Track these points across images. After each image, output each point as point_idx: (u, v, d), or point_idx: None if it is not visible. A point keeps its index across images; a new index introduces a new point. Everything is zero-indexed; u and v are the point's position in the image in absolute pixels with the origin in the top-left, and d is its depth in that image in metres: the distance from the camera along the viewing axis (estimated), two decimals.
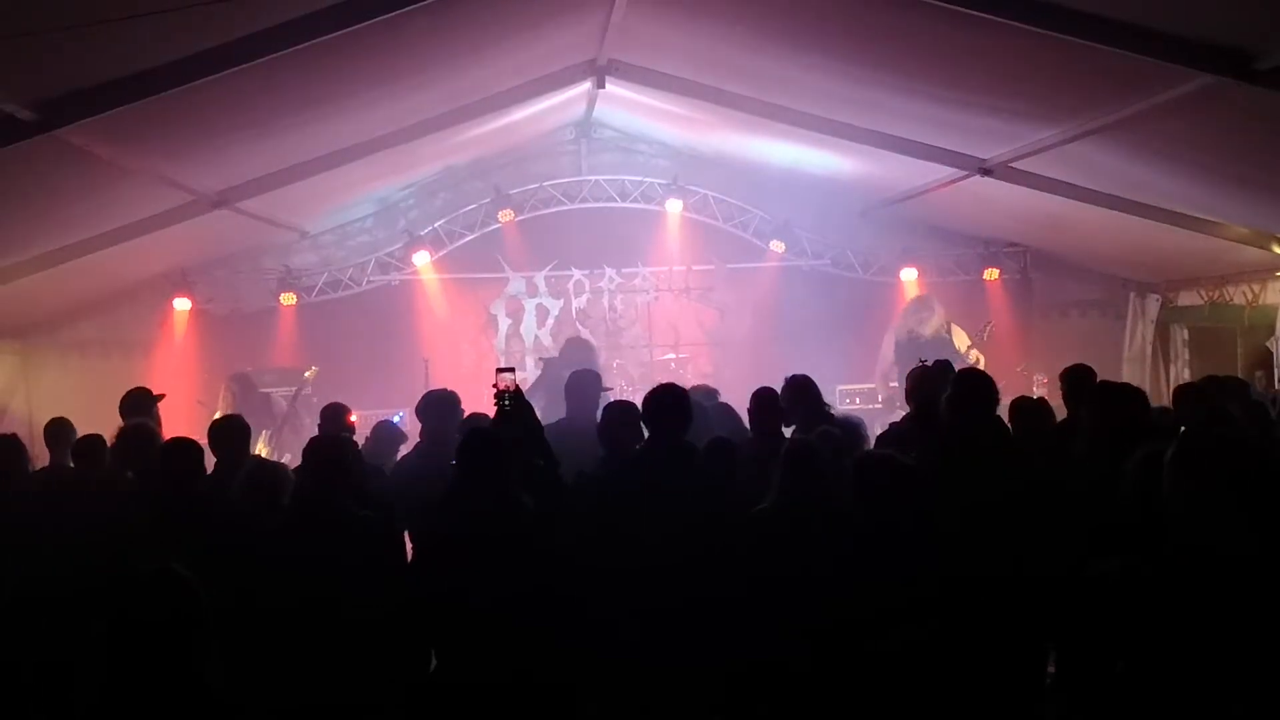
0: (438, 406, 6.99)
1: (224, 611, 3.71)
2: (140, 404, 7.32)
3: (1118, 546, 4.16)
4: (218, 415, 10.54)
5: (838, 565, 4.65)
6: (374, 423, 8.10)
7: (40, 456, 7.19)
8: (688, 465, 5.43)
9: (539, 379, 10.94)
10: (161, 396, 7.61)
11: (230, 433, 6.56)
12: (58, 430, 7.09)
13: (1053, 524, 4.84)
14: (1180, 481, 3.54)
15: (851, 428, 6.85)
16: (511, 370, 5.86)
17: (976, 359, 11.58)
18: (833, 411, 7.07)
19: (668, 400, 5.57)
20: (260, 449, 9.99)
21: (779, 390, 6.80)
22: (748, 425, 6.85)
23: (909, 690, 4.48)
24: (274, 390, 11.75)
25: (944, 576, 4.62)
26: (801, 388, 6.87)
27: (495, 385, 5.75)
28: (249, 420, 7.87)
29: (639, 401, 5.70)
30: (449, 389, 7.25)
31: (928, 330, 11.90)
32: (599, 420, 6.06)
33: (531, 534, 4.98)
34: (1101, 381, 5.98)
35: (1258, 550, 3.52)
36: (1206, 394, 6.71)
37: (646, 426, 5.62)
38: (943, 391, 5.80)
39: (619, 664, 5.03)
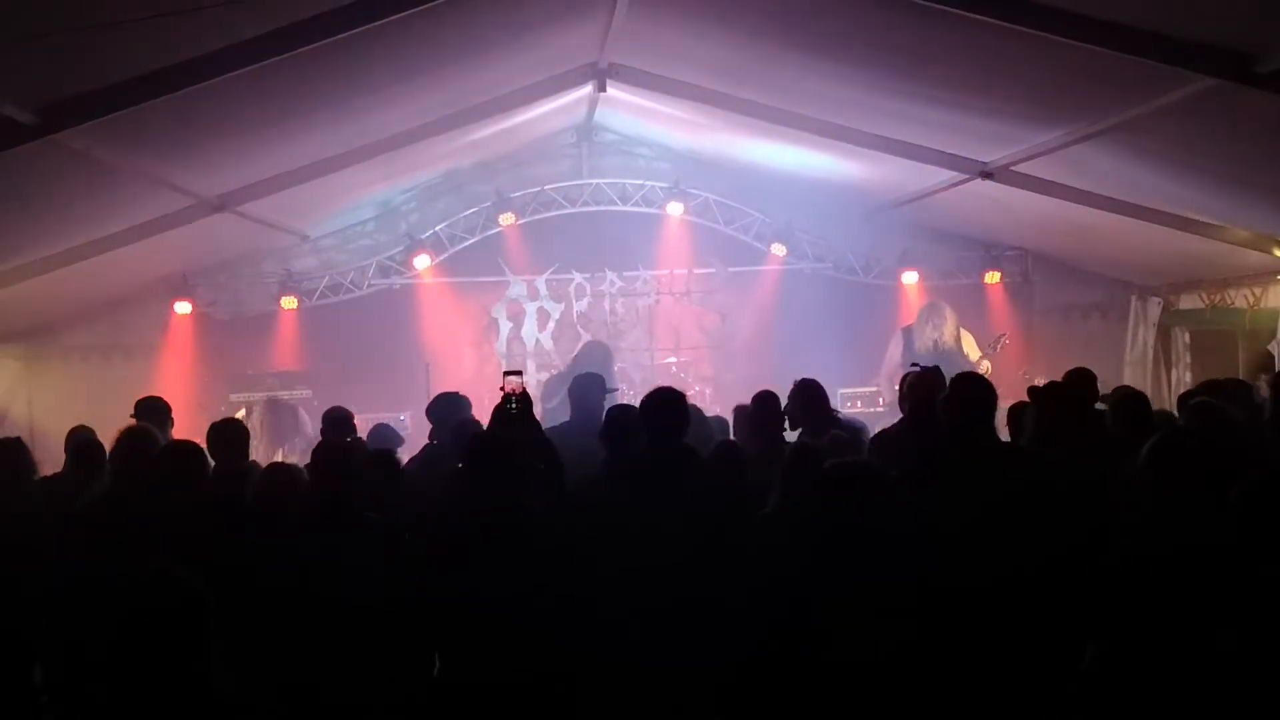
0: (447, 408, 6.99)
1: (230, 612, 3.71)
2: (154, 412, 7.32)
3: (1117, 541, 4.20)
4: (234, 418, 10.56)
5: (837, 569, 4.63)
6: (373, 426, 8.10)
7: (41, 461, 7.19)
8: (685, 467, 5.43)
9: (561, 374, 10.98)
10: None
11: (230, 436, 6.55)
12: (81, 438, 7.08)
13: (1053, 525, 4.83)
14: (1147, 477, 3.76)
15: (853, 432, 6.86)
16: (519, 373, 5.88)
17: (986, 370, 11.57)
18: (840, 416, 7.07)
19: (663, 403, 5.58)
20: (278, 456, 9.98)
21: (778, 394, 6.79)
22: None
23: (908, 694, 4.47)
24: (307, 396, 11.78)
25: (943, 579, 4.61)
26: (809, 391, 6.85)
27: (503, 388, 5.77)
28: (277, 441, 7.93)
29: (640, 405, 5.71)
30: (458, 391, 7.25)
31: (948, 337, 11.85)
32: (601, 423, 6.08)
33: (533, 536, 4.99)
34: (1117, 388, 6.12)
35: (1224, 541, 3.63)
36: (1209, 398, 6.69)
37: (644, 429, 5.62)
38: (939, 395, 5.79)
39: (620, 665, 5.03)
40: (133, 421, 6.69)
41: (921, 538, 4.72)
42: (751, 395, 6.82)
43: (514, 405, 5.72)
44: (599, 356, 10.49)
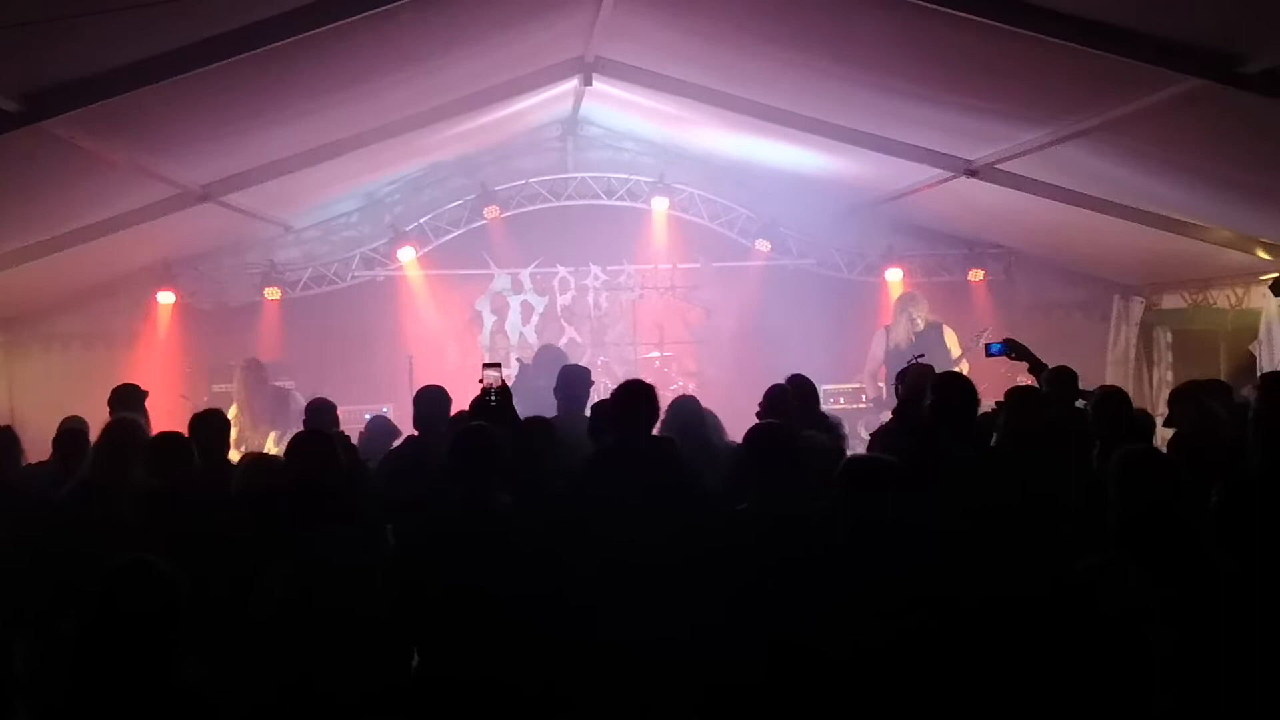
0: (430, 403, 6.98)
1: (209, 605, 3.70)
2: (128, 399, 7.31)
3: (1100, 545, 4.22)
4: (234, 401, 10.52)
5: (811, 567, 4.60)
6: (354, 418, 8.09)
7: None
8: (646, 462, 5.37)
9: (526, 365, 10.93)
10: (146, 394, 7.61)
11: (211, 427, 6.52)
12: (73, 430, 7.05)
13: (1039, 527, 4.84)
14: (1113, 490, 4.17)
15: (829, 428, 6.86)
16: (498, 366, 5.88)
17: (965, 368, 11.63)
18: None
19: (624, 397, 5.52)
20: (269, 447, 9.93)
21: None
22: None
23: (890, 693, 4.47)
24: (291, 386, 11.69)
25: (936, 579, 4.60)
26: (800, 389, 6.84)
27: (481, 381, 5.76)
28: (259, 413, 7.87)
29: None
30: (440, 386, 7.24)
31: (921, 322, 12.01)
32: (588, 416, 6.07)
33: (506, 531, 4.97)
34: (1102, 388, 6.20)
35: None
36: (1195, 396, 6.73)
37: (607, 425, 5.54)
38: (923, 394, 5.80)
39: (596, 660, 5.00)
40: (116, 414, 6.68)
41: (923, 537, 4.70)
42: (732, 390, 6.82)
43: (493, 398, 5.72)
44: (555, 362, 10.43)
